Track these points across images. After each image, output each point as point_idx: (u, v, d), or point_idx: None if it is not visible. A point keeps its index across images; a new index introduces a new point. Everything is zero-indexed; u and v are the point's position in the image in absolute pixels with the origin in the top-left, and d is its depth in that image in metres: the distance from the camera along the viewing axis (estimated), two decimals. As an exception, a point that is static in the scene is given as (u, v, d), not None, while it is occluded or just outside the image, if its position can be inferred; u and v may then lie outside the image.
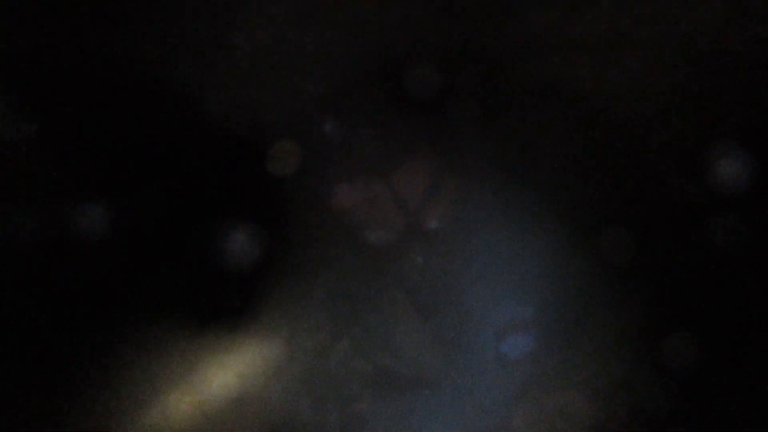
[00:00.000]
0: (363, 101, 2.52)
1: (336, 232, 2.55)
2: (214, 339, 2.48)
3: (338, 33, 2.53)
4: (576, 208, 2.56)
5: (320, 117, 2.56)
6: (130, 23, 2.50)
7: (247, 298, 2.51)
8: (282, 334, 2.51)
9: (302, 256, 2.57)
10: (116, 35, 2.49)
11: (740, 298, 2.45)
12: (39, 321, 2.48)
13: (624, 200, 2.56)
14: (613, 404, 2.42)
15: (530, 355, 2.43)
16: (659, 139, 2.52)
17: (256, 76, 2.55)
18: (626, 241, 2.54)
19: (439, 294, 2.49)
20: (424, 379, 2.45)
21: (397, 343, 2.47)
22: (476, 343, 2.45)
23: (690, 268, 2.51)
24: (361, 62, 2.56)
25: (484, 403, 2.42)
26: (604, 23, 2.48)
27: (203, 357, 2.46)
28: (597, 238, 2.53)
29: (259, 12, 2.52)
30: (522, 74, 2.59)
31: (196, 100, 2.53)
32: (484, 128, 2.58)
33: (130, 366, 2.41)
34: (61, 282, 2.50)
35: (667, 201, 2.55)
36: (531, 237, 2.51)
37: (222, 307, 2.52)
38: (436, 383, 2.45)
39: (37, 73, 2.51)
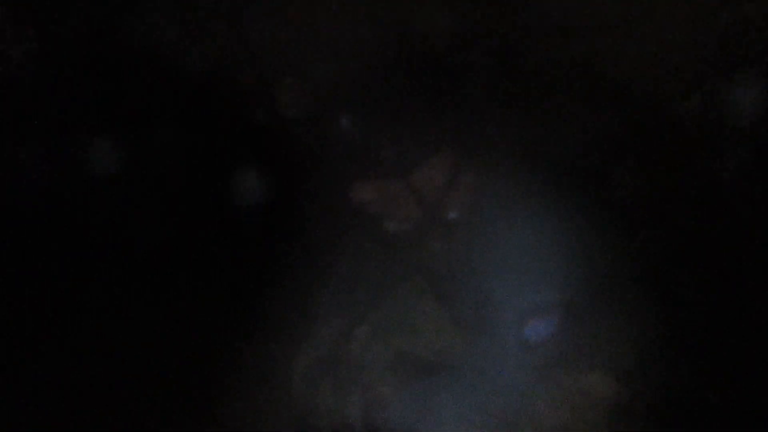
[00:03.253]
0: (380, 89, 2.52)
1: (356, 218, 2.55)
2: (233, 324, 2.49)
3: (353, 21, 2.54)
4: (598, 190, 2.54)
5: (338, 107, 2.57)
6: (149, 11, 2.53)
7: (268, 283, 2.53)
8: (302, 319, 2.51)
9: (322, 242, 2.57)
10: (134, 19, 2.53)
11: (763, 288, 2.41)
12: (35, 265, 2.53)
13: (649, 180, 2.53)
14: (636, 385, 2.39)
15: (552, 338, 2.41)
16: (683, 117, 2.49)
17: (273, 65, 2.56)
18: (651, 222, 2.51)
19: (459, 278, 2.48)
20: (444, 363, 2.44)
21: (417, 327, 2.46)
22: (497, 326, 2.44)
23: (716, 249, 2.48)
24: (378, 50, 2.56)
25: (506, 387, 2.40)
26: (619, 3, 2.46)
27: (223, 340, 2.48)
28: (620, 220, 2.51)
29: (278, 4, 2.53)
30: (542, 57, 2.57)
31: (212, 89, 2.55)
32: (505, 112, 2.57)
33: (140, 349, 2.44)
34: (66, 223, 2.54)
35: (693, 180, 2.51)
36: (552, 220, 2.48)
37: (242, 292, 2.53)
38: (457, 367, 2.43)
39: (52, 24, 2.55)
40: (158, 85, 2.64)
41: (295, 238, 2.58)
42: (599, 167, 2.55)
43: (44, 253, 2.60)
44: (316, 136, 2.61)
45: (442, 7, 2.57)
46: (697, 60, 2.47)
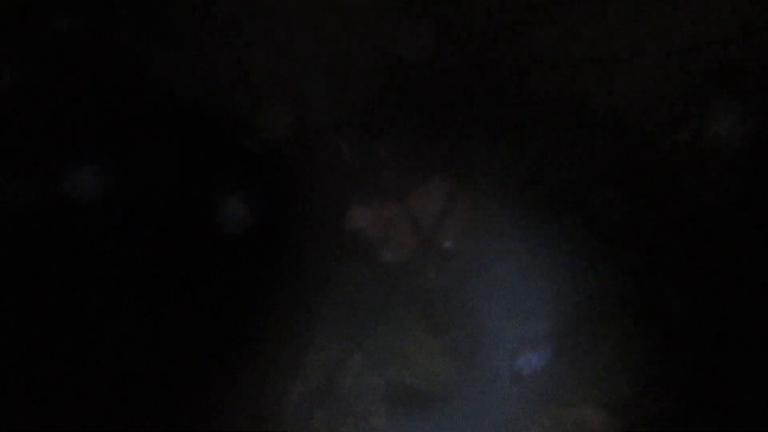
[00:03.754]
0: (375, 119, 2.54)
1: (351, 246, 2.55)
2: (226, 353, 2.48)
3: (348, 51, 2.56)
4: (591, 220, 2.55)
5: (334, 135, 2.59)
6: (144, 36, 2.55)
7: (260, 311, 2.52)
8: (295, 349, 2.51)
9: (316, 271, 2.58)
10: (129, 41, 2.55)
11: (750, 314, 2.42)
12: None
13: (642, 210, 2.55)
14: (629, 418, 2.39)
15: (545, 371, 2.41)
16: (670, 147, 2.52)
17: (269, 92, 2.58)
18: (642, 251, 2.52)
19: (453, 308, 2.48)
20: (437, 393, 2.44)
21: (410, 357, 2.46)
22: (490, 357, 2.44)
23: (708, 278, 2.49)
24: (372, 81, 2.59)
25: (498, 418, 2.40)
26: (609, 37, 2.49)
27: (216, 370, 2.47)
28: (614, 251, 2.52)
29: (272, 30, 2.55)
30: (532, 89, 2.60)
31: (205, 113, 2.56)
32: (497, 144, 2.59)
33: (130, 380, 2.43)
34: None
35: (685, 211, 2.53)
36: (545, 250, 2.50)
37: (234, 322, 2.52)
38: (449, 398, 2.43)
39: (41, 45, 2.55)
40: (155, 110, 2.65)
41: (290, 265, 2.58)
42: (592, 197, 2.57)
43: (32, 287, 2.58)
44: (312, 160, 2.62)
45: (438, 39, 2.60)
46: (686, 93, 2.50)
